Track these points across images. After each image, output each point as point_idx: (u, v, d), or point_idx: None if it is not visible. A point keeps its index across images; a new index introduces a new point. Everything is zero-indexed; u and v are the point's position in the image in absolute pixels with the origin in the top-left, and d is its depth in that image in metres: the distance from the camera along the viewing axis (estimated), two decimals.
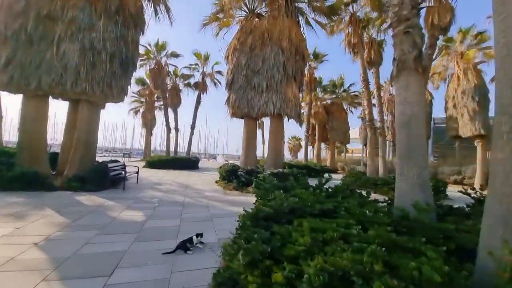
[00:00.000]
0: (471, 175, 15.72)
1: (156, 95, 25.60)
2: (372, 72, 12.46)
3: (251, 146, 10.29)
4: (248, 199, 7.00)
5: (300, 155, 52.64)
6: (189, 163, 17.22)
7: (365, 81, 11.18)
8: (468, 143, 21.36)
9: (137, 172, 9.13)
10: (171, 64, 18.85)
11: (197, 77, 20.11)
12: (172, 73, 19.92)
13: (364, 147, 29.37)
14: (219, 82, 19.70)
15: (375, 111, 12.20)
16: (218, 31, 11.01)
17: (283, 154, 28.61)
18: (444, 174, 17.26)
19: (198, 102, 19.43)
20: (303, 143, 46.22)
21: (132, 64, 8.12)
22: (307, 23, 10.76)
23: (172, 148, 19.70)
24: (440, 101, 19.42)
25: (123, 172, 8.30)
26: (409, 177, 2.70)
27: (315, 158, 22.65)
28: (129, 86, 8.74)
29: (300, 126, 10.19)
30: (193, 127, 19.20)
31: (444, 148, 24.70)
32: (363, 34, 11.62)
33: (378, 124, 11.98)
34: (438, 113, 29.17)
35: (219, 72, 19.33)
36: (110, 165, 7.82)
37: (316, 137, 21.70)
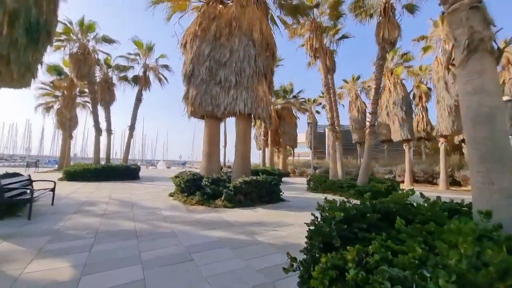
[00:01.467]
0: (400, 173, 18.33)
1: (78, 89, 20.69)
2: (329, 79, 12.88)
3: (214, 151, 8.83)
4: (222, 216, 5.63)
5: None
6: (127, 172, 14.12)
7: (327, 85, 11.34)
8: (393, 147, 25.27)
9: (53, 189, 6.44)
10: (102, 51, 15.32)
11: (137, 70, 17.06)
12: (103, 62, 16.25)
13: (312, 150, 31.07)
14: (165, 79, 17.22)
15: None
16: (172, 14, 9.22)
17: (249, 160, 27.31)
18: (379, 173, 19.58)
19: (138, 99, 16.36)
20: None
21: (46, 33, 5.62)
22: (273, 20, 10.16)
23: (102, 155, 15.94)
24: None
25: (28, 191, 5.62)
26: (503, 186, 2.08)
27: (268, 162, 22.41)
28: (39, 67, 6.11)
29: (269, 128, 9.35)
30: (132, 128, 15.97)
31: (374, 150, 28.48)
32: (322, 41, 11.82)
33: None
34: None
35: (166, 67, 16.86)
36: (3, 181, 5.11)
37: (269, 141, 21.51)
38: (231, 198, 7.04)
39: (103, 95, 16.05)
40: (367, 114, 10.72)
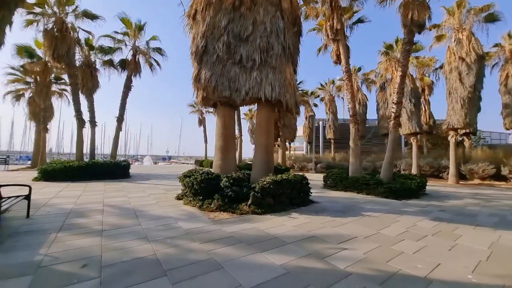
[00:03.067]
0: (405, 167, 17.94)
1: (53, 75, 18.15)
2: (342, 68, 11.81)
3: (230, 145, 7.47)
4: (259, 227, 4.35)
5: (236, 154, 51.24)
6: (117, 169, 12.34)
7: (348, 72, 10.24)
8: (381, 140, 25.02)
9: (28, 196, 4.84)
10: (83, 30, 13.10)
11: (125, 54, 14.99)
12: (84, 43, 14.03)
13: (308, 144, 30.22)
14: (157, 64, 15.29)
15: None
16: None
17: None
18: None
19: (127, 86, 14.36)
20: (240, 141, 45.08)
21: None
22: None
23: (86, 150, 13.94)
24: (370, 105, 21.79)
25: None
26: None
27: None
28: (7, 29, 4.45)
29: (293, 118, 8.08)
30: (120, 119, 14.02)
31: (367, 145, 28.16)
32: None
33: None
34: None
35: (158, 50, 14.92)
36: None
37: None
38: (259, 202, 5.78)
39: (85, 82, 13.92)
40: (392, 105, 9.70)
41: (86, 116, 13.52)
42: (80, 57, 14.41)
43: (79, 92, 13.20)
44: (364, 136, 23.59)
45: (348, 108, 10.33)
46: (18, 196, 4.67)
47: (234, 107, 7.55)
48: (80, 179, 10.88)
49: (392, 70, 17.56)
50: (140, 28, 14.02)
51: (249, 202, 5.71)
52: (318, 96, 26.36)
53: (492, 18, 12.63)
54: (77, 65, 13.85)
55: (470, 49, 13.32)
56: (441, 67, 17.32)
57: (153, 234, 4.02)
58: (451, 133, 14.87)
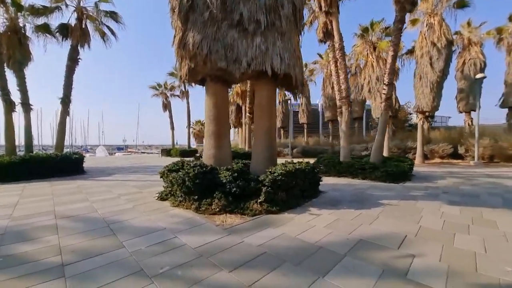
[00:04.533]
0: None
1: None
2: (329, 45, 11.12)
3: (223, 131, 6.14)
4: (289, 233, 3.33)
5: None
6: (66, 165, 9.87)
7: (342, 50, 9.51)
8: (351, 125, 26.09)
9: None
10: None
11: (67, 18, 11.77)
12: (10, 1, 10.46)
13: (281, 129, 29.77)
14: (112, 32, 12.43)
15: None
16: None
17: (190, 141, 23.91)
18: (356, 150, 19.80)
19: (72, 59, 11.30)
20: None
21: None
22: None
23: (19, 141, 10.87)
24: None
25: None
26: None
27: (242, 143, 20.16)
28: None
29: (295, 98, 7.04)
30: (66, 101, 11.07)
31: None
32: None
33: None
34: None
35: (112, 16, 12.04)
36: None
37: (246, 119, 19.02)
38: (272, 197, 4.77)
39: (12, 52, 10.59)
40: (383, 86, 9.42)
41: (16, 97, 10.40)
42: (4, 20, 10.84)
43: (4, 64, 9.94)
44: (337, 120, 24.09)
45: (339, 90, 9.71)
46: None
47: (228, 84, 6.17)
48: (14, 180, 8.32)
49: (367, 54, 17.74)
50: None
51: (261, 199, 4.65)
52: None
53: (462, 4, 13.19)
54: (1, 31, 10.40)
55: (441, 34, 13.89)
56: (408, 52, 18.05)
57: (150, 262, 2.71)
58: (420, 115, 15.82)
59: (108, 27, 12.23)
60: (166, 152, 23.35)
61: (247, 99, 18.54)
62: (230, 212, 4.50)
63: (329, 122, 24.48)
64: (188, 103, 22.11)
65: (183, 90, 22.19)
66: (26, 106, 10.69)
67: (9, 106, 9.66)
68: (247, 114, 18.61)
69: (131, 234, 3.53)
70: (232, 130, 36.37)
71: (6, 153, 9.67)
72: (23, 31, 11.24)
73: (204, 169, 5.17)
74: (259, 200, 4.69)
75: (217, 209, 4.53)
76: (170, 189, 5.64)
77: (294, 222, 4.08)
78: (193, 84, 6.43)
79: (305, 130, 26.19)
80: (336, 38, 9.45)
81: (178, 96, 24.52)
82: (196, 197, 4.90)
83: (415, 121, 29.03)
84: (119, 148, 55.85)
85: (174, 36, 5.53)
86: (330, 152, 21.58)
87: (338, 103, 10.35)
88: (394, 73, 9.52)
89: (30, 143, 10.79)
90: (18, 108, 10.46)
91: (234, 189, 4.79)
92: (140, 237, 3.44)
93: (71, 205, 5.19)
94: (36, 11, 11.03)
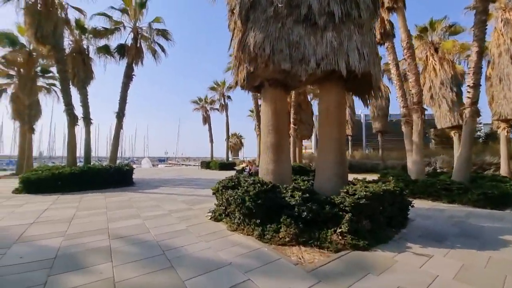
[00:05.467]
0: (444, 165, 16.12)
1: (40, 67, 15.76)
2: (387, 47, 9.86)
3: (284, 141, 5.38)
4: None
5: (242, 154, 49.13)
6: (118, 176, 10.13)
7: (411, 49, 8.21)
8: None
9: None
10: (72, 7, 10.80)
11: (124, 38, 12.71)
12: (74, 25, 11.71)
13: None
14: (162, 49, 13.03)
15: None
16: None
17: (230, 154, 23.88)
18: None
19: (128, 76, 12.06)
20: (245, 140, 42.80)
21: None
22: None
23: (79, 153, 11.65)
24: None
25: None
26: None
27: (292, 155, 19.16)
28: None
29: (366, 104, 5.97)
30: (121, 115, 11.74)
31: (390, 142, 26.26)
32: None
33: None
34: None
35: (163, 34, 12.64)
36: None
37: (291, 131, 18.16)
38: (354, 227, 3.72)
39: (77, 71, 11.63)
40: (468, 89, 7.74)
41: (78, 112, 11.25)
42: (70, 43, 12.11)
43: (70, 82, 10.89)
44: (386, 132, 21.77)
45: (413, 93, 8.29)
46: None
47: (288, 89, 5.47)
48: (73, 189, 8.66)
49: (427, 56, 15.70)
50: (141, 4, 11.75)
51: (343, 228, 3.64)
52: None
53: None
54: (67, 52, 11.56)
55: None
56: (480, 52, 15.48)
57: None
58: (502, 125, 13.08)
59: (159, 44, 12.85)
60: (206, 164, 23.60)
61: (292, 109, 17.78)
62: (303, 244, 3.59)
63: (377, 134, 22.17)
64: (227, 115, 22.32)
65: (222, 103, 22.56)
66: (87, 120, 11.49)
67: (73, 120, 10.43)
68: (292, 125, 17.75)
69: (191, 269, 2.83)
70: None
71: (67, 164, 10.34)
72: (86, 52, 12.37)
73: (265, 186, 4.38)
74: (339, 230, 3.68)
75: (287, 239, 3.66)
76: (223, 207, 4.98)
77: (400, 266, 2.97)
78: (248, 91, 5.86)
79: (349, 142, 24.17)
80: (403, 36, 8.21)
81: (217, 109, 25.02)
82: (258, 221, 4.09)
83: (485, 131, 24.67)
84: (160, 160, 59.45)
85: (231, 40, 5.08)
86: (382, 167, 19.32)
87: (403, 111, 8.90)
88: (480, 72, 7.80)
89: (89, 155, 11.47)
90: (80, 123, 11.27)
91: (305, 213, 3.87)
92: (203, 275, 2.72)
93: (124, 222, 4.82)
94: (98, 33, 12.08)
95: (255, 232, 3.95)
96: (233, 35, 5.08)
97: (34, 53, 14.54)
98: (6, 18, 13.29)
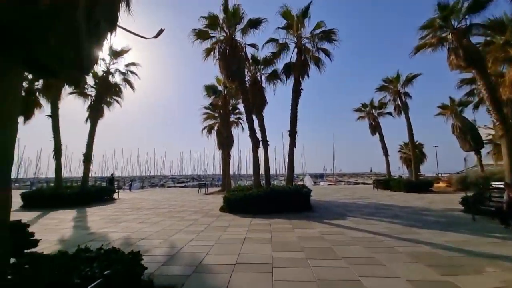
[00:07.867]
0: None
1: (231, 105, 20.03)
2: None
3: None
4: None
5: (424, 169, 37.18)
6: (297, 197, 9.24)
7: None
8: None
9: None
10: (249, 45, 12.25)
11: (289, 57, 12.73)
12: (250, 59, 13.34)
13: None
14: (327, 55, 11.61)
15: None
16: None
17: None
18: None
19: (296, 92, 11.75)
20: (425, 149, 31.45)
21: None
22: None
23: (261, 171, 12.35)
24: None
25: None
26: None
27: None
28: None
29: None
30: (293, 133, 11.46)
31: None
32: None
33: None
34: None
35: (327, 36, 11.24)
36: None
37: None
38: None
39: (254, 99, 12.84)
40: None
41: (258, 135, 12.08)
42: (248, 78, 13.90)
43: (251, 109, 12.03)
44: None
45: None
46: None
47: None
48: (260, 213, 8.54)
49: None
50: (303, 14, 11.16)
51: None
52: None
53: None
54: (247, 83, 13.16)
55: None
56: None
57: None
58: None
59: (322, 50, 11.57)
60: (382, 183, 18.84)
61: None
62: None
63: None
64: (408, 118, 16.75)
65: (399, 104, 17.34)
66: (265, 143, 12.09)
67: (256, 144, 11.18)
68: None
69: None
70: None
71: (254, 184, 11.00)
72: (260, 81, 13.54)
73: None
74: None
75: None
76: None
77: None
78: None
79: None
80: None
81: (389, 113, 19.97)
82: None
83: None
84: (318, 176, 59.00)
85: None
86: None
87: None
88: None
89: (268, 176, 11.86)
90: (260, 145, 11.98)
91: None
92: None
93: (336, 282, 2.85)
94: (267, 61, 12.91)
95: None
96: None
97: (227, 96, 18.72)
98: (207, 75, 18.18)
